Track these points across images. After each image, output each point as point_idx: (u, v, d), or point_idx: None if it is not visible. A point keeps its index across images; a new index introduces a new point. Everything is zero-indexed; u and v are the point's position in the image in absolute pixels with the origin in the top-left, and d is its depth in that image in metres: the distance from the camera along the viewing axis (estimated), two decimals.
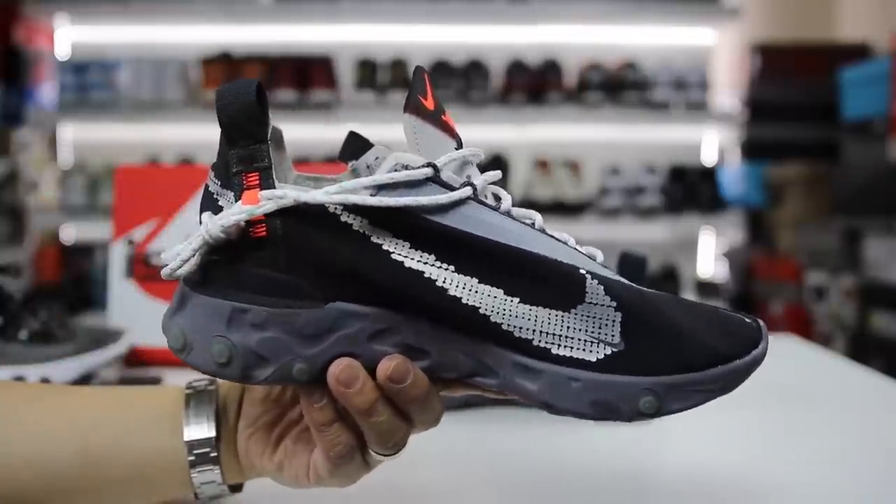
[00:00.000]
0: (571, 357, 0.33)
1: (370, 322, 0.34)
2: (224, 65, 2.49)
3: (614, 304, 0.34)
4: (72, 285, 2.57)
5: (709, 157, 2.77)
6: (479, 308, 0.33)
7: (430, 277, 0.34)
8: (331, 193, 0.33)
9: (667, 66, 2.52)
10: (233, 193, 0.34)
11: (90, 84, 2.52)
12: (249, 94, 0.34)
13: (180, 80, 2.52)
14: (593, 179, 2.60)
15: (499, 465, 0.52)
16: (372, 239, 0.34)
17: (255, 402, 0.39)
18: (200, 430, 0.39)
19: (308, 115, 2.47)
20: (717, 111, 2.59)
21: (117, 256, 0.79)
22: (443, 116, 0.37)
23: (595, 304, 0.34)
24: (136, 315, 0.77)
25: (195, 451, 0.38)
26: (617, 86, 2.50)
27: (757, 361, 0.34)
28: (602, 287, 0.34)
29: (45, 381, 0.62)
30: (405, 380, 0.34)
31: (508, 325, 0.34)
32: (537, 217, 0.36)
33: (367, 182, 0.34)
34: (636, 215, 2.49)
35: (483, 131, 2.58)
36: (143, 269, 0.78)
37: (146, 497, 0.40)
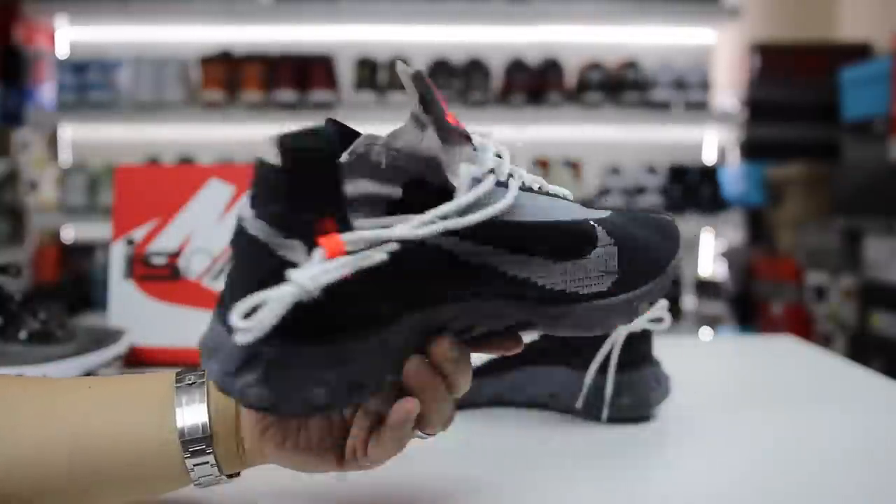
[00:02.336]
0: (592, 292, 0.40)
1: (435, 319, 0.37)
2: (224, 64, 2.49)
3: (612, 240, 0.40)
4: (72, 285, 2.56)
5: (709, 157, 2.77)
6: (530, 278, 0.38)
7: (502, 271, 0.37)
8: (427, 225, 0.34)
9: (667, 65, 2.52)
10: (301, 243, 0.32)
11: (90, 84, 2.52)
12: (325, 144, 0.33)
13: (180, 79, 2.52)
14: (593, 179, 2.60)
15: (494, 464, 0.52)
16: (472, 260, 0.36)
17: None
18: (193, 417, 0.38)
19: (308, 115, 2.46)
20: (717, 111, 2.59)
21: (117, 256, 0.79)
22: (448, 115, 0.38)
23: (603, 246, 0.40)
24: (136, 315, 0.77)
25: (188, 441, 0.38)
26: (617, 86, 2.50)
27: (679, 248, 0.44)
28: (604, 231, 0.40)
29: None
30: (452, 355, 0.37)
31: (549, 284, 0.38)
32: (541, 180, 0.42)
33: (454, 207, 0.35)
34: None
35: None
36: (143, 269, 0.78)
37: (141, 492, 0.40)
